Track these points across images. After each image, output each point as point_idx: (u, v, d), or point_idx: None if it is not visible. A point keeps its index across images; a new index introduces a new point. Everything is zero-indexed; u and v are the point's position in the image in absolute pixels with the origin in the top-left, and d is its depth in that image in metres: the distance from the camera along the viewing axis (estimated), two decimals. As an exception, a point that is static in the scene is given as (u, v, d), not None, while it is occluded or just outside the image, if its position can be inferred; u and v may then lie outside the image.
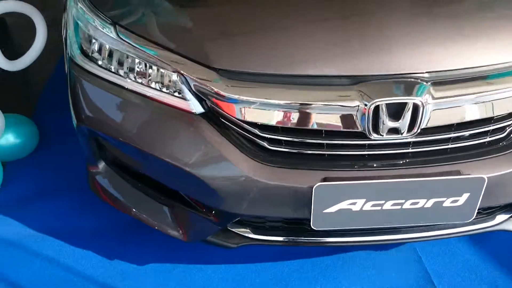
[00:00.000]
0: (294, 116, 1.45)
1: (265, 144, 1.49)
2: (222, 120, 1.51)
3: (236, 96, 1.45)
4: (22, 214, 2.16)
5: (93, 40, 1.63)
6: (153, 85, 1.57)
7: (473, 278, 1.91)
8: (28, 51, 2.40)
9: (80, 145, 2.42)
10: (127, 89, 1.58)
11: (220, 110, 1.49)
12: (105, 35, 1.60)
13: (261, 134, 1.48)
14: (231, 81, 1.46)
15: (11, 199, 2.23)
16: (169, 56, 1.52)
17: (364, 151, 1.49)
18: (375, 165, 1.49)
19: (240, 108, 1.46)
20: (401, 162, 1.49)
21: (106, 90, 1.61)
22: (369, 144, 1.48)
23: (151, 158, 1.56)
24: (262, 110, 1.46)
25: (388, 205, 1.47)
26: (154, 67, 1.55)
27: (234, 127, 1.50)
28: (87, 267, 1.97)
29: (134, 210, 1.78)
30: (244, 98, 1.45)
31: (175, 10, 1.58)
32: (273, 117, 1.46)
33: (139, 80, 1.58)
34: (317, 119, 1.44)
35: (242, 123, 1.48)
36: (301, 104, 1.43)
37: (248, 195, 1.50)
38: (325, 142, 1.48)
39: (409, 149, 1.49)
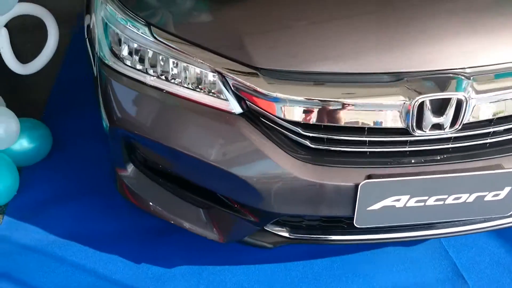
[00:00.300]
0: (338, 114, 1.45)
1: (307, 143, 1.49)
2: (263, 119, 1.50)
3: (278, 95, 1.44)
4: (42, 220, 2.12)
5: (126, 42, 1.61)
6: (190, 85, 1.55)
7: (501, 271, 1.93)
8: (40, 54, 2.35)
9: (94, 147, 2.48)
10: (162, 90, 1.56)
11: (261, 109, 1.48)
12: (139, 36, 1.58)
13: (303, 133, 1.48)
14: (273, 80, 1.46)
15: (30, 204, 2.19)
16: (208, 56, 1.51)
17: (405, 148, 1.50)
18: (417, 161, 1.49)
19: (282, 107, 1.46)
20: (442, 157, 1.50)
21: (140, 91, 1.59)
22: (410, 141, 1.48)
23: (189, 160, 1.55)
24: (305, 108, 1.45)
25: (431, 201, 1.48)
26: (192, 68, 1.53)
27: (275, 127, 1.49)
28: (114, 271, 1.95)
29: (165, 212, 1.76)
30: (287, 97, 1.44)
31: (213, 9, 1.57)
32: (316, 116, 1.45)
33: (176, 81, 1.56)
34: (361, 117, 1.44)
35: (284, 122, 1.48)
36: (345, 101, 1.43)
37: (291, 194, 1.49)
38: (367, 139, 1.48)
39: (449, 144, 1.51)
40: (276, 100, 1.45)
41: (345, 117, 1.45)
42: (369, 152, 1.50)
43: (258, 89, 1.46)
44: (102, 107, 1.68)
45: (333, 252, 2.00)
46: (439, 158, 1.50)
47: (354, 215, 1.49)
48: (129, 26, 1.60)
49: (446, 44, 1.46)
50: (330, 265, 1.96)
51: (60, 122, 2.60)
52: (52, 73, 2.97)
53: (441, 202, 1.49)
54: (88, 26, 1.93)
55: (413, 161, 1.49)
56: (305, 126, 1.48)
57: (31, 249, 2.01)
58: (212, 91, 1.53)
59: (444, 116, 1.43)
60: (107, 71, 1.65)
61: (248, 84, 1.47)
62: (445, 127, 1.45)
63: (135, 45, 1.60)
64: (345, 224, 1.62)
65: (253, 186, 1.49)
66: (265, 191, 1.50)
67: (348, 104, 1.43)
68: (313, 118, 1.46)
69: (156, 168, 1.72)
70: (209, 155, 1.52)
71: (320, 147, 1.49)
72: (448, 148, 1.51)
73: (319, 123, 1.47)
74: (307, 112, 1.45)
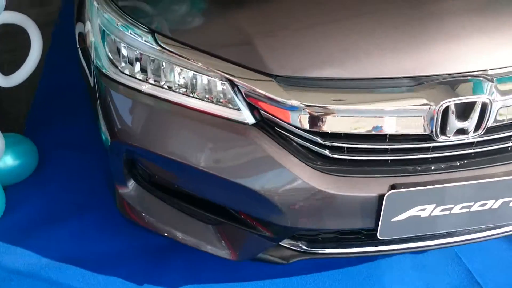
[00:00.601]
0: (358, 122, 1.38)
1: (327, 152, 1.41)
2: (278, 129, 1.42)
3: (296, 103, 1.36)
4: (33, 242, 1.98)
5: (126, 50, 1.51)
6: (199, 95, 1.46)
7: (515, 275, 1.90)
8: (23, 65, 2.22)
9: (84, 160, 2.35)
10: (169, 101, 1.47)
11: (276, 119, 1.40)
12: (142, 44, 1.48)
13: (322, 142, 1.40)
14: (289, 88, 1.38)
15: (19, 226, 2.05)
16: (219, 63, 1.41)
17: (427, 154, 1.44)
18: (440, 168, 1.43)
19: (300, 116, 1.38)
20: (465, 163, 1.45)
21: (143, 103, 1.49)
22: (433, 147, 1.43)
23: (199, 175, 1.45)
24: (324, 116, 1.38)
25: (457, 209, 1.42)
26: (201, 76, 1.44)
27: (292, 136, 1.41)
28: (116, 294, 1.84)
29: (172, 230, 1.65)
30: (305, 105, 1.36)
31: (221, 13, 1.48)
32: (336, 124, 1.38)
33: (183, 91, 1.46)
34: (383, 124, 1.38)
35: (301, 131, 1.40)
36: (367, 108, 1.36)
37: (311, 207, 1.42)
38: (389, 147, 1.42)
39: (471, 149, 1.45)
40: (293, 108, 1.37)
41: (367, 125, 1.38)
42: (391, 160, 1.43)
43: (274, 97, 1.37)
44: (102, 120, 1.57)
45: (345, 262, 1.92)
46: (462, 164, 1.45)
47: (377, 227, 1.42)
48: (130, 33, 1.50)
49: (467, 46, 1.41)
50: (343, 276, 1.88)
51: (44, 135, 2.47)
52: (31, 83, 2.83)
53: (467, 210, 1.43)
54: (81, 34, 1.82)
55: (436, 168, 1.43)
56: (324, 135, 1.40)
57: (23, 274, 1.88)
58: (222, 100, 1.44)
59: (468, 120, 1.38)
60: (106, 82, 1.54)
61: (262, 92, 1.38)
62: (469, 131, 1.40)
63: (137, 54, 1.49)
64: (365, 236, 1.55)
65: (271, 200, 1.41)
66: (283, 205, 1.42)
67: (370, 111, 1.36)
68: (332, 127, 1.39)
69: (162, 184, 1.62)
70: (222, 169, 1.43)
71: (340, 156, 1.42)
72: (470, 153, 1.46)
73: (339, 132, 1.39)
74: (326, 120, 1.38)
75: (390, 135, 1.40)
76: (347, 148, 1.42)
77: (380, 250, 1.58)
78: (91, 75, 1.66)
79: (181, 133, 1.46)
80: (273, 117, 1.40)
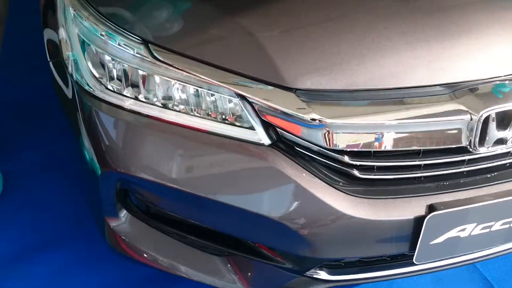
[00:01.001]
0: (391, 137, 1.22)
1: (355, 173, 1.25)
2: (298, 149, 1.25)
3: (321, 120, 1.20)
4: (9, 282, 1.74)
5: (114, 64, 1.30)
6: (205, 114, 1.27)
7: (534, 280, 1.82)
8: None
9: (56, 181, 2.09)
10: (169, 122, 1.27)
11: (297, 138, 1.22)
12: (133, 57, 1.27)
13: (350, 162, 1.24)
14: (312, 102, 1.20)
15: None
16: (228, 77, 1.23)
17: (461, 168, 1.30)
18: (476, 181, 1.30)
19: (325, 134, 1.21)
20: (502, 174, 1.33)
21: (139, 125, 1.28)
22: (468, 159, 1.29)
23: (209, 204, 1.27)
24: (352, 133, 1.21)
25: (497, 226, 1.30)
26: (207, 93, 1.25)
27: (315, 157, 1.25)
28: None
29: (173, 263, 1.46)
30: (331, 121, 1.20)
31: (229, 20, 1.27)
32: (366, 140, 1.22)
33: (185, 110, 1.27)
34: (417, 137, 1.23)
35: (326, 150, 1.23)
36: (400, 122, 1.20)
37: (340, 235, 1.25)
38: (422, 162, 1.27)
39: (507, 159, 1.33)
40: (317, 125, 1.20)
41: (400, 140, 1.22)
42: (423, 177, 1.29)
43: (295, 113, 1.20)
44: (89, 146, 1.35)
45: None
46: (498, 176, 1.32)
47: (414, 251, 1.28)
48: (118, 45, 1.29)
49: (501, 49, 1.28)
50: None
51: (7, 157, 2.20)
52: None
53: (507, 226, 1.31)
54: (50, 43, 1.58)
55: (472, 182, 1.30)
56: (351, 153, 1.24)
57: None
58: (231, 119, 1.25)
59: (509, 129, 1.25)
60: (91, 101, 1.32)
61: (281, 108, 1.21)
62: (508, 141, 1.27)
63: (127, 68, 1.29)
64: (393, 257, 1.41)
65: (294, 229, 1.24)
66: (309, 234, 1.25)
67: (403, 125, 1.21)
68: (362, 144, 1.22)
69: (162, 215, 1.42)
70: (237, 198, 1.25)
71: (370, 176, 1.26)
72: (505, 164, 1.34)
73: (368, 149, 1.24)
74: (354, 137, 1.22)
75: (424, 150, 1.26)
76: (378, 166, 1.26)
77: (410, 271, 1.43)
78: (67, 87, 1.43)
79: (186, 159, 1.27)
80: (293, 136, 1.23)
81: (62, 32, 1.44)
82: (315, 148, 1.23)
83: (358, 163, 1.25)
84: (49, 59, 1.58)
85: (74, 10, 1.38)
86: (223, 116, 1.26)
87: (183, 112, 1.27)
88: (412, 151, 1.25)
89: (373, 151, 1.24)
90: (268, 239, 1.31)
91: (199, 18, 1.30)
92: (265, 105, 1.21)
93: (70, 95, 1.46)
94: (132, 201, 1.44)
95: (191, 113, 1.26)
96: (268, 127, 1.25)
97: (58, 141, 2.22)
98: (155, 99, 1.28)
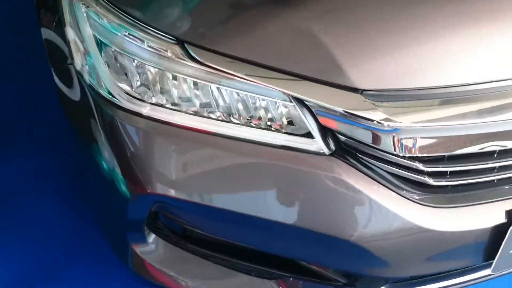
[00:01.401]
0: (469, 139, 1.08)
1: (429, 180, 1.12)
2: (362, 158, 1.10)
3: (392, 124, 1.05)
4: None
5: (142, 69, 1.11)
6: (255, 123, 1.10)
7: None
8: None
9: (47, 197, 1.87)
10: (212, 133, 1.10)
11: (363, 145, 1.08)
12: (166, 60, 1.09)
13: (423, 168, 1.10)
14: (382, 105, 1.05)
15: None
16: (281, 78, 1.06)
17: (535, 167, 1.19)
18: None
19: (398, 138, 1.06)
20: None
21: (179, 139, 1.11)
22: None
23: (263, 225, 1.11)
24: (428, 137, 1.07)
25: None
26: (254, 97, 1.08)
27: (383, 165, 1.10)
28: None
29: (212, 290, 1.30)
30: (406, 124, 1.05)
31: (280, 13, 1.10)
32: (441, 144, 1.08)
33: (231, 119, 1.10)
34: (497, 136, 1.10)
35: (397, 157, 1.09)
36: (482, 121, 1.07)
37: (415, 251, 1.12)
38: (496, 164, 1.14)
39: None
40: (390, 130, 1.06)
41: (478, 140, 1.09)
42: (497, 180, 1.17)
43: (363, 117, 1.05)
44: (112, 162, 1.17)
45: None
46: None
47: (492, 261, 1.16)
48: (146, 46, 1.10)
49: None
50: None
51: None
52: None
53: None
54: (50, 45, 1.37)
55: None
56: (424, 159, 1.11)
57: None
58: (286, 127, 1.09)
59: None
60: (116, 113, 1.13)
61: (346, 112, 1.05)
62: None
63: (157, 72, 1.11)
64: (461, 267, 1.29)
65: (365, 248, 1.10)
66: (380, 252, 1.11)
67: (483, 124, 1.08)
68: (436, 148, 1.08)
69: (200, 237, 1.25)
70: (297, 216, 1.09)
71: (444, 183, 1.13)
72: None
73: (444, 153, 1.10)
74: (428, 141, 1.07)
75: (500, 150, 1.13)
76: (450, 171, 1.13)
77: (481, 276, 1.32)
78: (70, 88, 1.25)
79: (238, 176, 1.10)
80: (357, 143, 1.08)
81: (70, 34, 1.24)
82: (383, 155, 1.09)
83: (430, 169, 1.11)
84: (50, 66, 1.37)
85: (87, 7, 1.18)
86: (276, 124, 1.10)
87: (231, 122, 1.10)
88: (487, 153, 1.13)
89: (447, 155, 1.11)
90: (330, 259, 1.16)
91: (243, 12, 1.12)
92: (326, 109, 1.06)
93: (76, 97, 1.26)
94: (164, 223, 1.27)
95: (238, 122, 1.10)
96: (325, 134, 1.10)
97: (51, 148, 2.00)
98: (194, 108, 1.11)
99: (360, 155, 1.09)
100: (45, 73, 1.52)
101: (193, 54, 1.08)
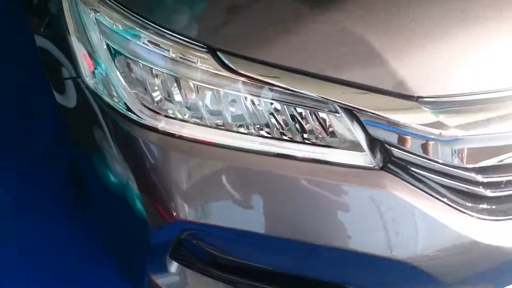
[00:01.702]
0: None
1: (486, 192, 1.03)
2: (414, 171, 1.00)
3: (455, 133, 0.96)
4: None
5: (165, 82, 0.98)
6: (297, 138, 0.99)
7: None
8: None
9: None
10: (253, 151, 0.98)
11: (418, 157, 0.98)
12: (196, 71, 0.96)
13: (480, 179, 1.02)
14: (440, 113, 0.96)
15: None
16: (327, 87, 0.95)
17: None
18: None
19: (458, 149, 0.97)
20: None
21: (212, 158, 0.98)
22: None
23: (307, 249, 1.00)
24: (488, 146, 0.99)
25: None
26: (295, 108, 0.97)
27: (438, 177, 1.00)
28: None
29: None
30: (466, 134, 0.96)
31: (323, 15, 0.99)
32: (500, 152, 1.00)
33: (273, 134, 0.99)
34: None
35: (455, 169, 1.00)
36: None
37: (476, 270, 1.04)
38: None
39: None
40: (448, 140, 0.96)
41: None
42: None
43: (420, 127, 0.95)
44: (136, 191, 1.02)
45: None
46: None
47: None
48: (171, 55, 0.97)
49: None
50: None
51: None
52: None
53: None
54: (47, 55, 1.21)
55: None
56: (481, 169, 1.02)
57: None
58: (330, 139, 0.99)
59: None
60: (138, 131, 1.00)
61: (402, 122, 0.95)
62: None
63: (186, 85, 0.98)
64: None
65: (419, 268, 1.00)
66: (436, 273, 1.02)
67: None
68: (495, 157, 1.00)
69: (231, 265, 1.13)
70: (350, 240, 0.98)
71: (498, 194, 1.05)
72: None
73: (500, 162, 1.02)
74: (488, 150, 0.99)
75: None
76: (506, 181, 1.05)
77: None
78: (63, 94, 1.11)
79: (282, 197, 0.98)
80: (411, 155, 0.98)
81: (75, 43, 1.09)
82: (440, 167, 1.00)
83: (486, 179, 1.03)
84: (48, 78, 1.21)
85: (95, 12, 1.04)
86: (316, 137, 0.99)
87: (271, 138, 0.99)
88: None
89: (503, 164, 1.03)
90: (380, 281, 1.07)
91: (282, 16, 1.00)
92: (377, 118, 0.96)
93: (83, 114, 1.12)
94: (189, 249, 1.14)
95: (280, 138, 0.98)
96: (374, 146, 1.00)
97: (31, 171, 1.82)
98: (230, 124, 0.99)
99: (412, 168, 1.00)
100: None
101: (227, 63, 0.96)
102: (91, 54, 1.06)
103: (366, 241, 0.99)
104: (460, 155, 0.98)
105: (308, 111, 0.98)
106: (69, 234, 1.63)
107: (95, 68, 1.06)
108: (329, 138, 0.99)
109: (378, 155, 1.00)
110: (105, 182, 1.10)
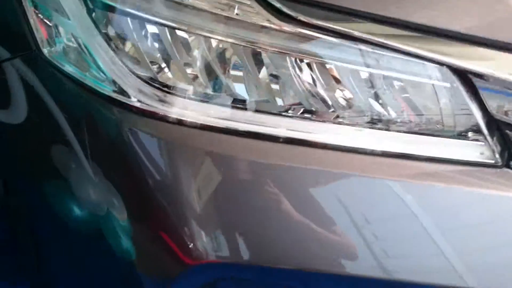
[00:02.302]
0: None
1: None
2: None
3: None
4: None
5: (179, 46, 0.62)
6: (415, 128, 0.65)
7: None
8: None
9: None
10: (324, 146, 0.63)
11: None
12: (237, 24, 0.61)
13: None
14: None
15: None
16: (436, 45, 0.63)
17: None
18: None
19: None
20: None
21: (256, 161, 0.62)
22: None
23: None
24: None
25: None
26: (388, 79, 0.64)
27: None
28: None
29: None
30: None
31: None
32: None
33: (351, 119, 0.64)
34: None
35: None
36: None
37: None
38: None
39: None
40: None
41: None
42: None
43: None
44: (125, 224, 0.64)
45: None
46: None
47: None
48: (189, 3, 0.61)
49: None
50: None
51: None
52: None
53: None
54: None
55: None
56: None
57: None
58: (433, 125, 0.66)
59: None
60: (132, 121, 0.63)
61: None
62: None
63: (215, 48, 0.62)
64: None
65: None
66: None
67: None
68: None
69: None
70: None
71: None
72: None
73: None
74: None
75: None
76: None
77: None
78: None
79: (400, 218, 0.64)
80: None
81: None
82: None
83: None
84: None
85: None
86: (424, 123, 0.66)
87: (348, 124, 0.64)
88: None
89: None
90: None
91: None
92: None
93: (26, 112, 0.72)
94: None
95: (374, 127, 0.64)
96: (492, 133, 0.68)
97: None
98: (285, 106, 0.63)
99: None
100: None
101: (283, 9, 0.61)
102: (47, 12, 0.67)
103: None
104: None
105: (406, 82, 0.64)
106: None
107: (59, 32, 0.67)
108: (437, 124, 0.66)
109: (497, 147, 0.68)
110: (65, 221, 0.70)
